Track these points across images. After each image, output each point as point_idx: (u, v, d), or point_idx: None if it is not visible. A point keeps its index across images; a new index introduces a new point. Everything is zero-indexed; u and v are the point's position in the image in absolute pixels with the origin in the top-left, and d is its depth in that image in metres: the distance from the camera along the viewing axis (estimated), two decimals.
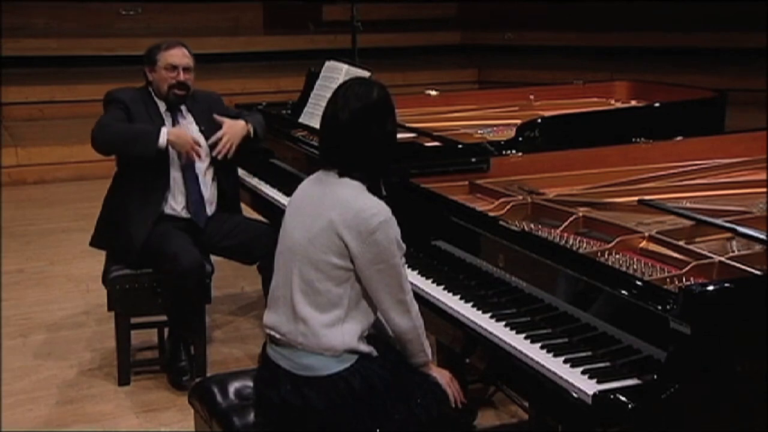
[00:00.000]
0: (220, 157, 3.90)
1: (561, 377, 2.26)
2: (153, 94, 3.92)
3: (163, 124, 3.87)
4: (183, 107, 3.97)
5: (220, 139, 3.90)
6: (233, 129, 3.94)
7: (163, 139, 3.73)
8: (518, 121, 3.99)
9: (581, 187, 3.24)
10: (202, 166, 3.93)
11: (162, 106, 3.92)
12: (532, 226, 2.85)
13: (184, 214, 3.91)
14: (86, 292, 5.01)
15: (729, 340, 2.11)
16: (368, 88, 2.55)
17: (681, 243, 2.57)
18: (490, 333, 2.55)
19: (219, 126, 3.96)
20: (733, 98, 4.56)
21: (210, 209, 3.97)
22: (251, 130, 4.00)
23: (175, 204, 3.90)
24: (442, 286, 2.86)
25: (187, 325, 3.93)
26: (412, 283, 2.66)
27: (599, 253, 2.55)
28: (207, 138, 3.95)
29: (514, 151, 3.47)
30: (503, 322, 2.57)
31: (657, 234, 2.63)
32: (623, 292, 2.28)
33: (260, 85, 10.01)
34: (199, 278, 3.78)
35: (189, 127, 3.95)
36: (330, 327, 2.48)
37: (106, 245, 3.99)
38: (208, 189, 3.96)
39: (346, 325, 2.50)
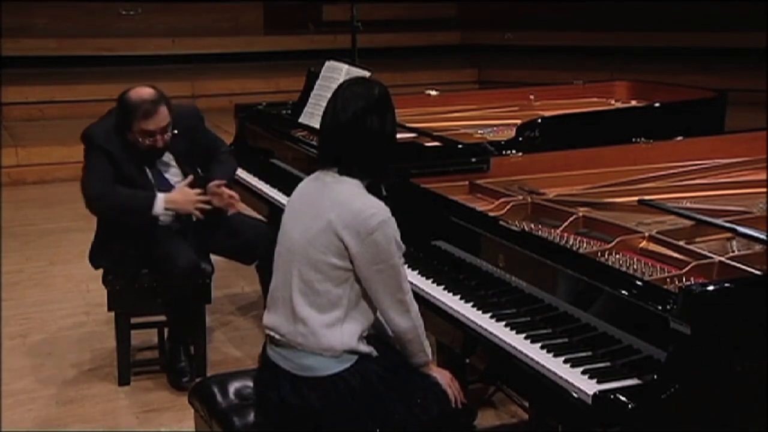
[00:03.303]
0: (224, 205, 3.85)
1: (561, 377, 2.26)
2: None
3: (143, 161, 3.78)
4: None
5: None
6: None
7: (158, 208, 3.71)
8: (518, 121, 3.99)
9: (581, 187, 3.24)
10: (175, 179, 3.87)
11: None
12: (532, 226, 2.85)
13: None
14: (86, 292, 5.00)
15: (729, 340, 2.11)
16: (368, 87, 2.55)
17: (681, 243, 2.57)
18: (491, 333, 2.55)
19: (205, 144, 3.98)
20: (733, 98, 4.56)
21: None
22: None
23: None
24: (443, 286, 2.86)
25: (187, 326, 3.93)
26: (412, 283, 2.66)
27: (599, 253, 2.55)
28: (183, 170, 3.88)
29: (514, 151, 3.47)
30: (503, 322, 2.57)
31: (657, 234, 2.63)
32: (623, 292, 2.28)
33: (260, 85, 10.01)
34: (196, 280, 3.78)
35: (167, 159, 3.86)
36: (329, 327, 2.48)
37: (104, 264, 3.95)
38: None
39: (346, 326, 2.50)
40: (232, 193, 3.89)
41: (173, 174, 3.90)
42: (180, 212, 3.79)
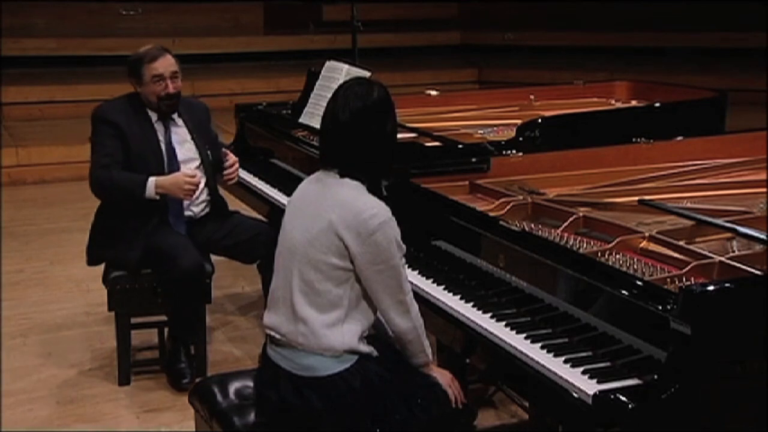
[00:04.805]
0: (230, 182, 4.08)
1: (561, 377, 2.26)
2: (143, 103, 3.86)
3: (155, 136, 3.84)
4: (175, 115, 3.92)
5: (231, 165, 4.03)
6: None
7: (150, 192, 3.71)
8: (518, 121, 3.99)
9: (581, 187, 3.24)
10: (184, 150, 3.92)
11: (153, 116, 3.86)
12: (533, 226, 2.85)
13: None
14: (86, 292, 5.00)
15: (729, 340, 2.11)
16: (368, 87, 2.55)
17: (681, 243, 2.57)
18: (491, 333, 2.55)
19: (212, 138, 4.06)
20: (733, 98, 4.55)
21: (199, 209, 3.95)
22: None
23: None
24: (443, 287, 2.86)
25: (187, 326, 3.93)
26: (412, 283, 2.66)
27: (599, 253, 2.55)
28: (198, 147, 3.93)
29: (514, 151, 3.47)
30: (503, 322, 2.57)
31: (657, 234, 2.63)
32: (623, 292, 2.28)
33: (260, 85, 10.02)
34: (199, 279, 3.77)
35: (182, 135, 3.92)
36: (330, 327, 2.48)
37: (103, 259, 3.96)
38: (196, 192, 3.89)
39: (346, 326, 2.50)
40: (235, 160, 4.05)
41: (182, 142, 3.93)
42: (168, 194, 3.77)
